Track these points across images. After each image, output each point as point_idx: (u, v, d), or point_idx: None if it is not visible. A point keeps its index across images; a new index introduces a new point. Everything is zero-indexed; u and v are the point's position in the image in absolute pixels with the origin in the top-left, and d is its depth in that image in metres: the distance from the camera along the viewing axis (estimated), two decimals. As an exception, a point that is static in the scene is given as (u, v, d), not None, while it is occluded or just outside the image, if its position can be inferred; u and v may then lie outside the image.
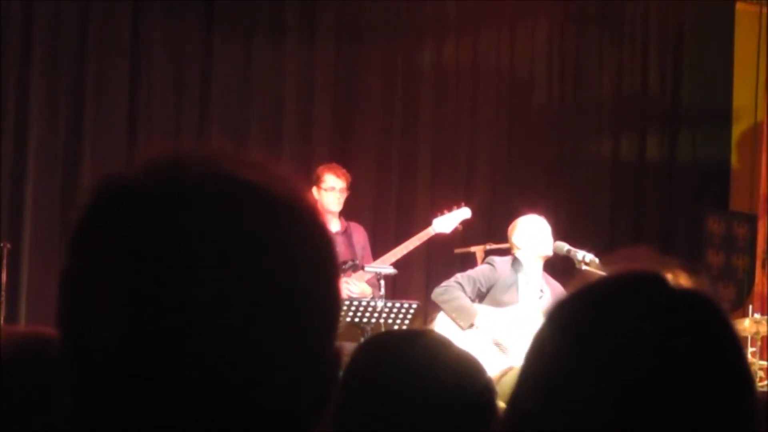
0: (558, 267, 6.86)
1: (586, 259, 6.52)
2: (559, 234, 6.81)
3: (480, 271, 6.71)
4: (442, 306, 6.57)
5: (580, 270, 6.44)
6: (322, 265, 0.97)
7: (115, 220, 0.93)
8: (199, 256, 0.90)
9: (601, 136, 9.43)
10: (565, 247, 6.66)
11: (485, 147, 9.04)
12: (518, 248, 6.69)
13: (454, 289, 6.55)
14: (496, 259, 6.71)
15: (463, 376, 1.83)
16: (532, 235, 6.68)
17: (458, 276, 6.64)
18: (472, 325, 6.51)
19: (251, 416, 0.91)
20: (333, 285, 0.97)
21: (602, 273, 1.31)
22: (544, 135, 9.16)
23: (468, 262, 7.23)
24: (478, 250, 7.16)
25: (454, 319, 6.52)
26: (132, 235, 0.91)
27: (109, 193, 0.95)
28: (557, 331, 1.12)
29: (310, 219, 0.97)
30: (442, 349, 1.86)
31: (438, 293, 6.59)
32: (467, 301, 6.54)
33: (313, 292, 0.95)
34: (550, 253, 6.67)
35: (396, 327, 6.32)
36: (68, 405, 0.94)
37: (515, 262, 6.67)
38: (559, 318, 1.13)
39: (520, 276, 6.62)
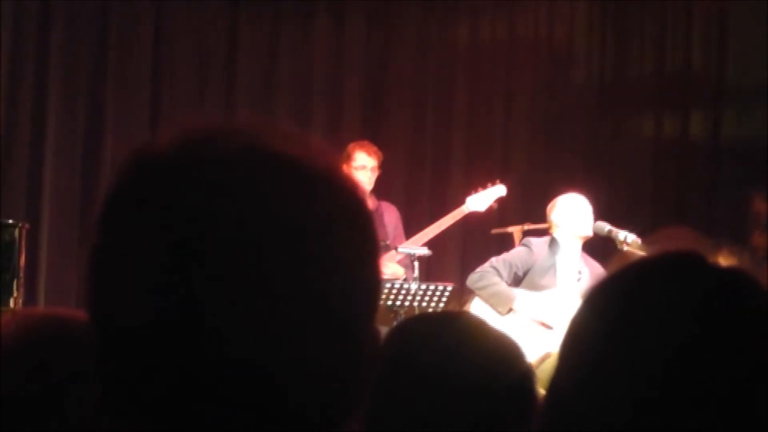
0: (598, 248, 6.70)
1: (628, 239, 6.44)
2: (599, 214, 6.68)
3: (516, 254, 6.58)
4: (478, 293, 6.47)
5: (621, 251, 6.31)
6: (363, 242, 0.95)
7: (149, 196, 0.90)
8: (238, 235, 0.88)
9: (643, 115, 9.27)
10: (606, 227, 6.53)
11: (522, 124, 8.90)
12: (557, 227, 6.55)
13: (489, 274, 6.43)
14: (533, 241, 6.58)
15: (501, 361, 1.74)
16: (573, 213, 6.53)
17: (493, 260, 6.52)
18: (510, 310, 6.39)
19: (284, 402, 0.90)
20: (373, 262, 0.95)
21: (643, 254, 1.21)
22: (584, 113, 8.99)
23: (506, 243, 7.08)
24: (515, 230, 7.00)
25: (492, 306, 6.41)
26: (167, 214, 0.89)
27: (142, 168, 0.92)
28: (594, 314, 1.10)
29: (351, 194, 0.95)
30: (478, 332, 1.78)
31: (473, 280, 6.47)
32: (504, 286, 6.42)
33: (353, 270, 0.93)
34: (590, 233, 6.54)
35: (430, 310, 6.22)
36: (97, 389, 0.92)
37: (553, 242, 6.53)
38: (596, 301, 1.11)
39: (558, 258, 6.49)
